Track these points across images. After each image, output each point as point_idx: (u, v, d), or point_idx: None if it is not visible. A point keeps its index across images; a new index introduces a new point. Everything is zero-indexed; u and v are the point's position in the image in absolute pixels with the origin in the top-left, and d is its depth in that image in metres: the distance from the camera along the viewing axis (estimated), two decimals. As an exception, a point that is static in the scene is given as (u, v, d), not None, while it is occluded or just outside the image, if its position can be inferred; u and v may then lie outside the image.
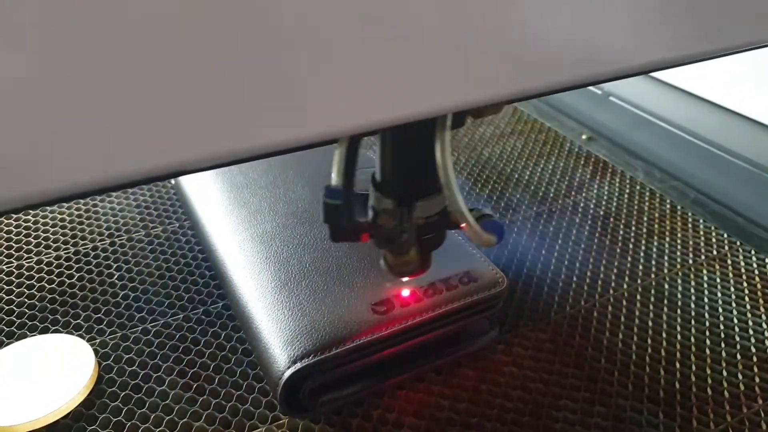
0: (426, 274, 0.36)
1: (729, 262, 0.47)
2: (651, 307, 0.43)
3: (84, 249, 0.47)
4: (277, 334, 0.33)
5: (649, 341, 0.40)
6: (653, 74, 0.62)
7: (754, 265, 0.47)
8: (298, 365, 0.31)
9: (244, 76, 0.16)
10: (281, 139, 0.17)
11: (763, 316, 0.42)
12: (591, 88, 0.69)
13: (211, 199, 0.45)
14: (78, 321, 0.40)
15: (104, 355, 0.38)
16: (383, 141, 0.30)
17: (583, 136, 0.66)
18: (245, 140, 0.17)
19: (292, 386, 0.32)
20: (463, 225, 0.29)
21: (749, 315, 0.43)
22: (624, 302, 0.43)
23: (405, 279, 0.35)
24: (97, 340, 0.39)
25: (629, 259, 0.48)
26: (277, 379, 0.32)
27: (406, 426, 0.34)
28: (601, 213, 0.53)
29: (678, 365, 0.39)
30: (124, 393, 0.36)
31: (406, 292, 0.36)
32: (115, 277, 0.44)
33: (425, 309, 0.35)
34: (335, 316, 0.34)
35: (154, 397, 0.36)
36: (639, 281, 0.45)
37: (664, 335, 0.41)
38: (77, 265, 0.45)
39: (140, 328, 0.40)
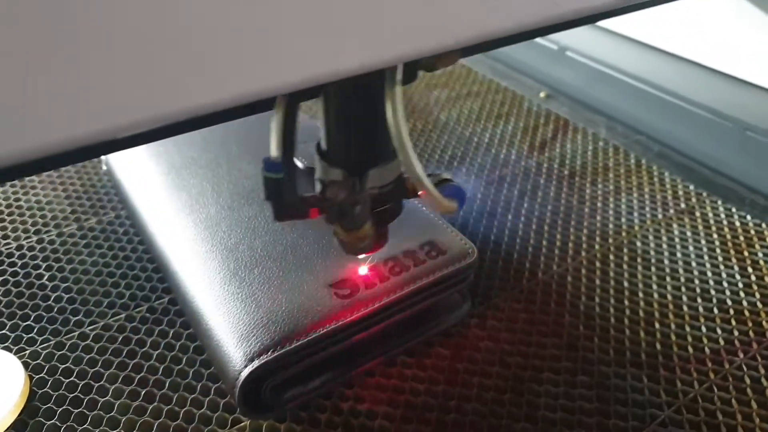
0: (389, 249, 0.34)
1: (698, 214, 0.46)
2: (625, 266, 0.41)
3: (7, 249, 0.42)
4: (230, 330, 0.30)
5: (627, 302, 0.39)
6: (609, 26, 0.60)
7: (722, 216, 0.46)
8: (256, 363, 0.28)
9: (158, 29, 0.12)
10: (199, 103, 0.13)
11: (736, 267, 0.41)
12: (546, 43, 0.66)
13: (147, 184, 0.41)
14: (4, 332, 0.36)
15: (36, 367, 0.34)
16: (327, 103, 0.26)
17: (541, 94, 0.63)
18: (161, 105, 0.13)
19: (251, 386, 0.29)
20: (421, 192, 0.27)
21: (722, 267, 0.41)
22: (597, 264, 0.42)
23: (361, 256, 0.32)
24: (27, 351, 0.35)
25: (598, 218, 0.46)
26: (233, 380, 0.28)
27: (380, 416, 0.32)
28: (566, 172, 0.51)
29: (657, 325, 0.37)
30: (61, 409, 0.32)
31: (364, 270, 0.33)
32: (46, 278, 0.40)
33: (393, 288, 0.32)
34: (293, 305, 0.31)
35: (96, 410, 0.32)
36: (611, 241, 0.44)
37: (641, 295, 0.39)
38: (0, 268, 0.40)
39: (77, 333, 0.36)
